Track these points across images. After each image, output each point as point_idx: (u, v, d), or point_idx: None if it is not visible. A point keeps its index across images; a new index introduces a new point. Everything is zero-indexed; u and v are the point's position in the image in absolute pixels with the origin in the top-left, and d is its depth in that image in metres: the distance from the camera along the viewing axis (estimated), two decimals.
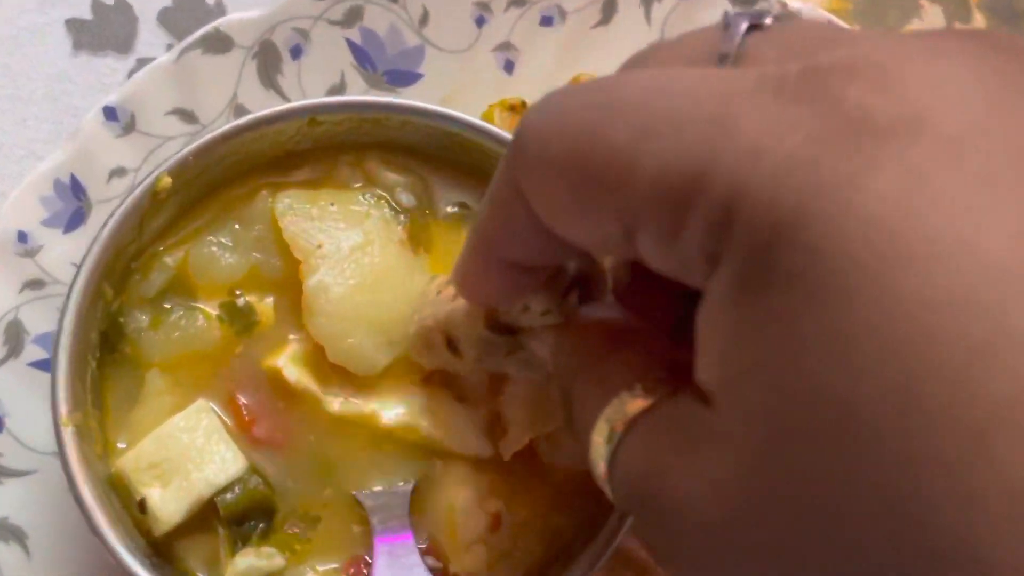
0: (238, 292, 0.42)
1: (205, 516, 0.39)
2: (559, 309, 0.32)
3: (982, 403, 0.19)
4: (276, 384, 0.40)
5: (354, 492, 0.41)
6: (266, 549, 0.39)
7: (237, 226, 0.42)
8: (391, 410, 0.40)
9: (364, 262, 0.41)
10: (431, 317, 0.37)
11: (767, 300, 0.21)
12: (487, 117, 0.48)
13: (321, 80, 0.49)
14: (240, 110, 0.48)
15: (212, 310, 0.42)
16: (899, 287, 0.20)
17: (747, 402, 0.22)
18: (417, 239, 0.44)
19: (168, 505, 0.38)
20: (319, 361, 0.40)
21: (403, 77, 0.50)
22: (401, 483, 0.41)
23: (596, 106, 0.24)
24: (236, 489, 0.39)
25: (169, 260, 0.42)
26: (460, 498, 0.41)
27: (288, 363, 0.40)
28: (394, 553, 0.39)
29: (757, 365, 0.22)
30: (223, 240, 0.42)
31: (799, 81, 0.22)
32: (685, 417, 0.25)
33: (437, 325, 0.37)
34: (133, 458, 0.39)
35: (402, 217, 0.44)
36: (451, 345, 0.37)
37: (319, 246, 0.41)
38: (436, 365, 0.39)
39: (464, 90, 0.51)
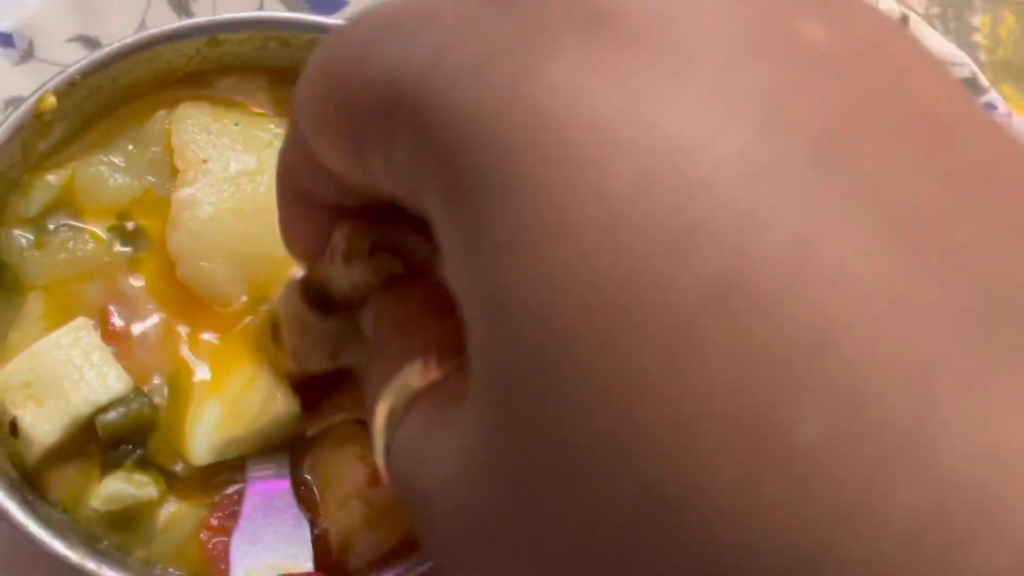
0: (128, 216, 0.40)
1: (84, 442, 0.37)
2: (367, 262, 0.27)
3: (683, 293, 0.16)
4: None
5: None
6: (139, 477, 0.37)
7: (131, 147, 0.41)
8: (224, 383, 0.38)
9: (247, 189, 0.39)
10: (269, 305, 0.34)
11: (467, 213, 0.19)
12: None
13: (239, 6, 0.48)
14: None
15: (101, 232, 0.40)
16: (562, 183, 0.17)
17: (476, 339, 0.19)
18: None
19: (42, 425, 0.36)
20: (173, 284, 0.39)
21: (327, 3, 0.49)
22: None
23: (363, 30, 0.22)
24: (120, 409, 0.37)
25: (52, 178, 0.40)
26: (342, 451, 0.38)
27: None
28: (268, 494, 0.37)
29: (475, 292, 0.19)
30: (115, 160, 0.40)
31: None
32: (462, 387, 0.21)
33: (269, 312, 0.34)
34: (4, 377, 0.37)
35: None
36: (275, 334, 0.34)
37: (204, 160, 0.39)
38: (274, 364, 0.36)
39: None
